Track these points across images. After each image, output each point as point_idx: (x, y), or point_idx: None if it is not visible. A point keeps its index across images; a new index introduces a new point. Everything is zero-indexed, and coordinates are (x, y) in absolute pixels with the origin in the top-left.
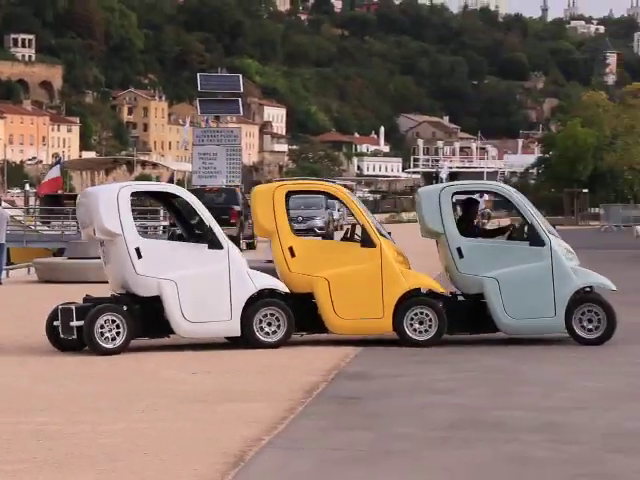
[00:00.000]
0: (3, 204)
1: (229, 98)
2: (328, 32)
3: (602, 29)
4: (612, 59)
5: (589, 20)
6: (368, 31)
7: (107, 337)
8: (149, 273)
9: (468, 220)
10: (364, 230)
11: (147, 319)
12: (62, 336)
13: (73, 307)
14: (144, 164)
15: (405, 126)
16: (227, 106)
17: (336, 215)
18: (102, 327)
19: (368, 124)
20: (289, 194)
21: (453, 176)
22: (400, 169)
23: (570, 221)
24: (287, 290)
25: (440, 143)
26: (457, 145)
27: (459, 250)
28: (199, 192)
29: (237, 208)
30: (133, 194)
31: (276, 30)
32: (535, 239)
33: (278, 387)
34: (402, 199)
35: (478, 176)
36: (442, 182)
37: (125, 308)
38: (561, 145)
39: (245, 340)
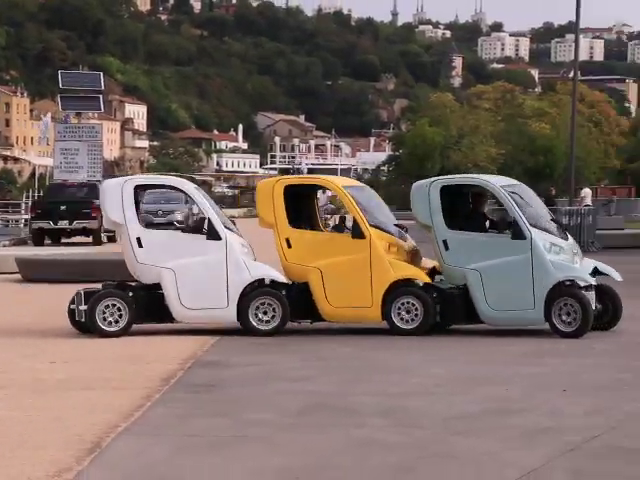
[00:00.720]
0: None
1: (90, 95)
2: (188, 32)
3: (449, 33)
4: (458, 62)
5: (436, 25)
6: (226, 32)
7: (110, 321)
8: (149, 261)
9: (477, 213)
10: (355, 222)
11: (150, 305)
12: (76, 319)
13: (82, 291)
14: (6, 159)
15: (263, 124)
16: (88, 103)
17: (195, 210)
18: (104, 311)
19: (227, 122)
20: (287, 188)
21: (309, 172)
22: (258, 165)
23: None
24: (283, 279)
25: (296, 140)
26: (312, 143)
27: (445, 242)
28: (60, 186)
29: (97, 202)
30: (136, 187)
31: (137, 29)
32: (517, 232)
33: (136, 375)
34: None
35: (332, 172)
36: None
37: (130, 294)
38: (410, 143)
39: (243, 327)
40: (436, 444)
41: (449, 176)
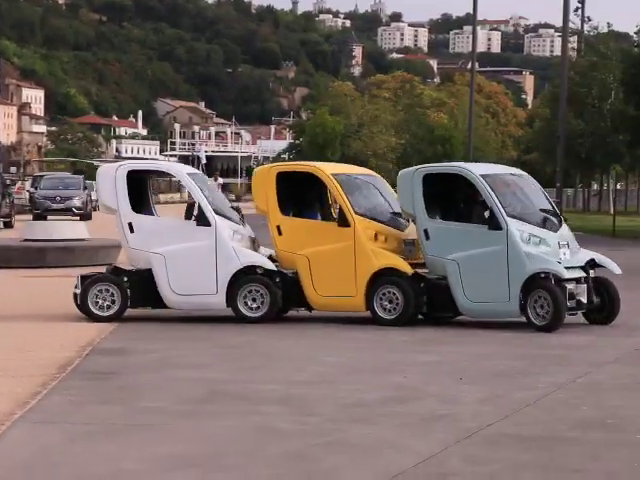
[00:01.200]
0: None
1: None
2: (86, 17)
3: (348, 23)
4: (358, 51)
5: (336, 14)
6: (126, 17)
7: (102, 305)
8: (140, 247)
9: (463, 202)
10: (340, 210)
11: (145, 291)
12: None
13: (79, 276)
14: None
15: (162, 110)
16: None
17: (94, 196)
18: (97, 296)
19: (127, 108)
20: (279, 175)
21: (209, 160)
22: (158, 152)
23: None
24: (272, 267)
25: (196, 128)
26: (213, 130)
27: (425, 232)
28: None
29: None
30: (130, 172)
31: (34, 13)
32: (493, 223)
33: (32, 362)
34: (159, 181)
35: (233, 160)
36: (202, 164)
37: (125, 279)
38: (311, 132)
39: (234, 314)
40: (333, 432)
41: (432, 164)
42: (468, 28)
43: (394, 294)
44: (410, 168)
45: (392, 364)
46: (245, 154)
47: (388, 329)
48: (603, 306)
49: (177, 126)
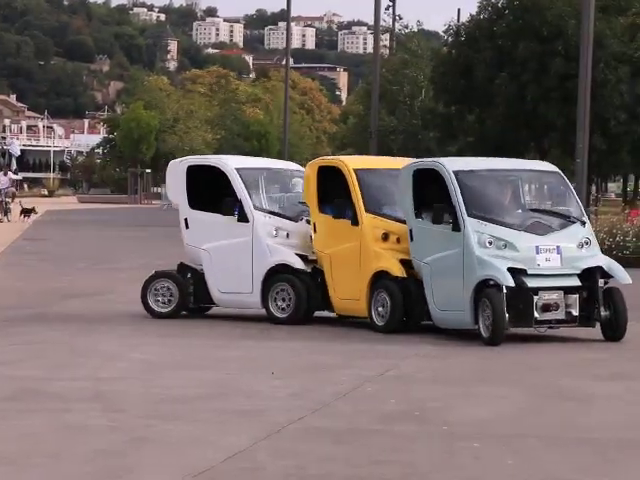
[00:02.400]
0: None
1: None
2: None
3: (163, 17)
4: (173, 46)
5: (151, 8)
6: None
7: (161, 302)
8: (193, 243)
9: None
10: (354, 207)
11: (200, 288)
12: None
13: (155, 272)
14: None
15: None
16: None
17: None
18: (156, 292)
19: None
20: (320, 170)
21: (22, 153)
22: None
23: (134, 200)
24: (299, 265)
25: (7, 121)
26: (24, 123)
27: (411, 232)
28: None
29: None
30: (189, 168)
31: None
32: (454, 224)
33: None
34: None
35: (46, 154)
36: (13, 159)
37: (189, 276)
38: (125, 126)
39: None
40: (142, 428)
41: (421, 159)
42: (283, 24)
43: (385, 299)
44: (408, 163)
45: (202, 360)
46: (58, 148)
47: (196, 324)
48: (610, 320)
49: None
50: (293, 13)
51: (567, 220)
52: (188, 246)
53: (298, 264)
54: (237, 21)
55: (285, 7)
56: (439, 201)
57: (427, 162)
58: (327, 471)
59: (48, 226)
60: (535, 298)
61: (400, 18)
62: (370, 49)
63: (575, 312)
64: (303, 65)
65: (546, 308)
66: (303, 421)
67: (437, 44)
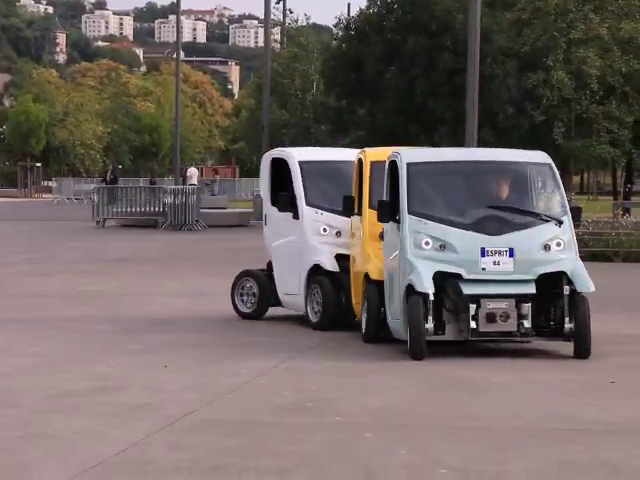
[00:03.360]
0: None
1: None
2: None
3: (51, 9)
4: (62, 38)
5: (38, 0)
6: None
7: (246, 301)
8: (267, 241)
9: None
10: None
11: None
12: None
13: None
14: None
15: None
16: None
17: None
18: (242, 292)
19: None
20: (273, 162)
21: None
22: None
23: (24, 194)
24: (332, 268)
25: None
26: None
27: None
28: None
29: None
30: (272, 161)
31: None
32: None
33: None
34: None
35: None
36: None
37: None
38: (14, 120)
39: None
40: (36, 423)
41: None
42: (173, 17)
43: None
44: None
45: (96, 354)
46: None
47: (92, 320)
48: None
49: None
50: (183, 6)
51: (536, 218)
52: (266, 244)
53: (329, 265)
54: (127, 14)
55: (175, 0)
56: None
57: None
58: (222, 463)
59: None
60: (472, 307)
61: (291, 12)
62: (261, 43)
63: (527, 324)
64: (195, 58)
65: (491, 318)
66: (197, 413)
67: (328, 38)
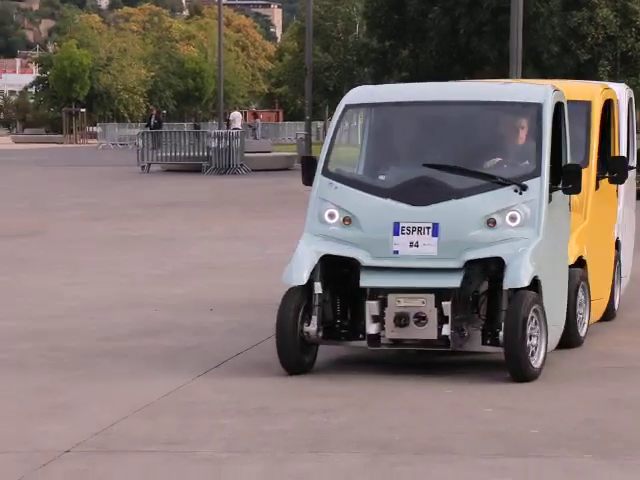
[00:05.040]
0: None
1: None
2: None
3: None
4: None
5: None
6: None
7: None
8: None
9: None
10: None
11: None
12: None
13: None
14: None
15: None
16: None
17: None
18: None
19: None
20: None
21: None
22: None
23: (70, 139)
24: None
25: None
26: None
27: None
28: None
29: None
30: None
31: None
32: None
33: None
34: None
35: None
36: None
37: None
38: (58, 65)
39: None
40: (84, 366)
41: None
42: None
43: None
44: None
45: (142, 298)
46: None
47: (139, 264)
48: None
49: None
50: None
51: (490, 181)
52: None
53: None
54: None
55: None
56: None
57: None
58: (266, 405)
59: None
60: (372, 304)
61: None
62: None
63: (446, 330)
64: (237, 2)
65: (402, 321)
66: (242, 356)
67: None
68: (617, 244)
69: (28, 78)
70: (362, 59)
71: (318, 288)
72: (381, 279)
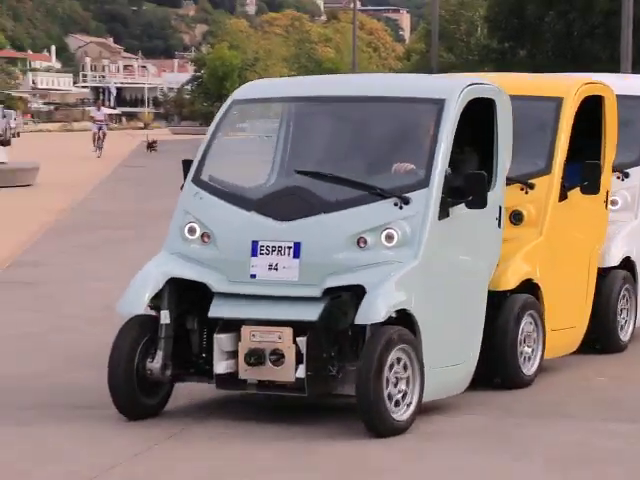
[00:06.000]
0: None
1: None
2: None
3: None
4: None
5: None
6: None
7: None
8: None
9: None
10: None
11: None
12: None
13: None
14: None
15: (74, 45)
16: None
17: (13, 124)
18: None
19: (40, 43)
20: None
21: (119, 90)
22: (71, 84)
23: None
24: None
25: (106, 61)
26: (121, 63)
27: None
28: None
29: None
30: None
31: None
32: None
33: None
34: (73, 110)
35: (140, 91)
36: (112, 95)
37: None
38: (211, 65)
39: None
40: None
41: None
42: None
43: None
44: None
45: None
46: (151, 85)
47: None
48: None
49: (88, 60)
50: None
51: (368, 192)
52: None
53: None
54: None
55: None
56: None
57: None
58: None
59: (145, 156)
60: (221, 338)
61: None
62: None
63: (301, 372)
64: (370, 8)
65: (254, 358)
66: None
67: None
68: (620, 266)
69: (184, 76)
70: (483, 59)
71: (165, 317)
72: (233, 308)
